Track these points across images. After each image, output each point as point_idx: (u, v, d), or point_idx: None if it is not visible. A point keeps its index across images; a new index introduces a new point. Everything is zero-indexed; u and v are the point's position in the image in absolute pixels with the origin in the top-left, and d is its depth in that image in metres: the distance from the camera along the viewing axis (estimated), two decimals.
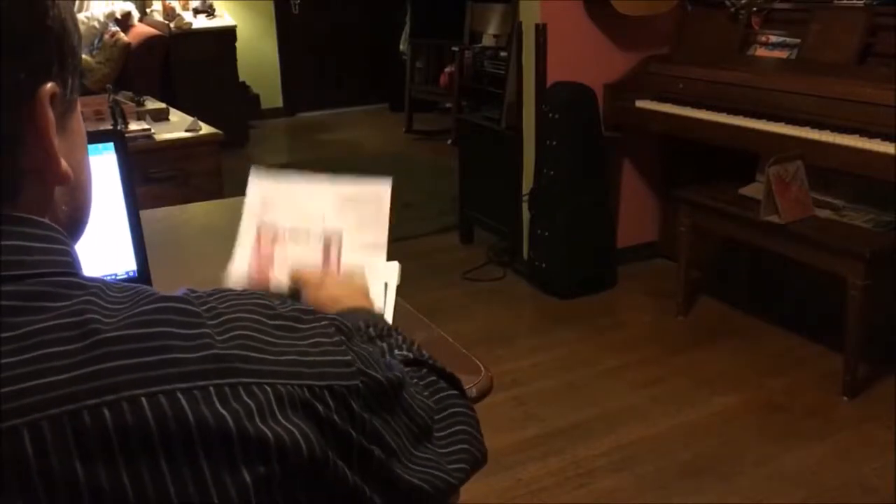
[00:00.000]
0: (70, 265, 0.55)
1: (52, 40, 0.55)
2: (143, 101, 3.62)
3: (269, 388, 0.53)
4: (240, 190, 1.21)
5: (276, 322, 0.57)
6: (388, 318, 1.21)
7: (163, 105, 3.61)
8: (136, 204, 1.19)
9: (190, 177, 3.12)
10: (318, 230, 1.21)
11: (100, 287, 0.53)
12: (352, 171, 1.26)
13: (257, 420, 0.51)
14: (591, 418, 2.62)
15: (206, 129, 3.27)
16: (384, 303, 1.25)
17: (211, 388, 0.50)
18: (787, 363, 2.91)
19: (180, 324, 0.53)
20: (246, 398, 0.52)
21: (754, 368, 2.88)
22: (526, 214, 3.60)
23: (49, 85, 0.54)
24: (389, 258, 1.36)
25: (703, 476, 2.33)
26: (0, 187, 0.53)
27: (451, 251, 4.09)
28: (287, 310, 0.59)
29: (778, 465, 2.37)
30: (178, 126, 3.33)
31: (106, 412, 0.46)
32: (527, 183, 3.59)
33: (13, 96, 0.52)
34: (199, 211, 1.95)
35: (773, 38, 3.20)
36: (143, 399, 0.47)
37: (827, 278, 2.70)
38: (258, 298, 0.59)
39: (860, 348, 2.64)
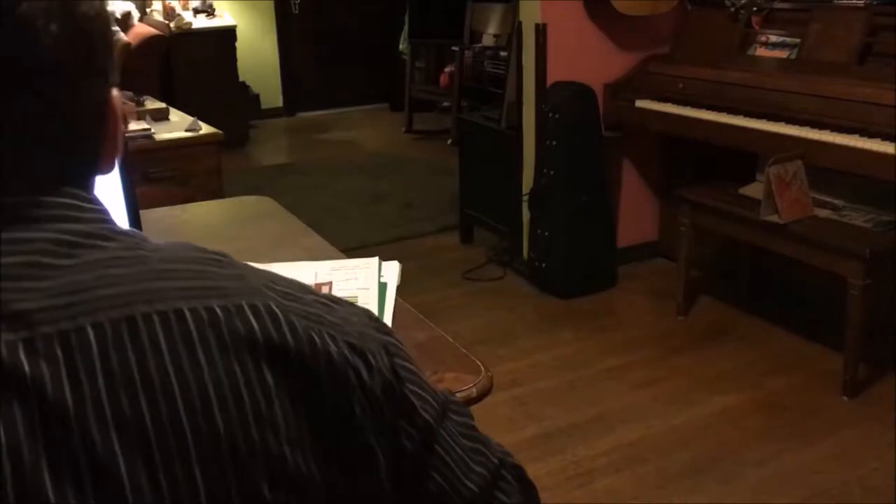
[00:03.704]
0: (113, 222, 0.62)
1: (112, 47, 0.64)
2: (143, 100, 3.62)
3: (300, 325, 0.60)
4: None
5: (314, 297, 0.64)
6: (388, 318, 1.22)
7: (163, 105, 3.61)
8: (136, 204, 1.19)
9: (190, 177, 3.12)
10: (309, 282, 1.28)
11: (141, 235, 0.62)
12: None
13: (285, 329, 0.58)
14: (591, 418, 2.62)
15: (206, 128, 3.27)
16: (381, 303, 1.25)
17: (245, 305, 0.58)
18: (787, 363, 2.91)
19: (220, 264, 0.62)
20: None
21: (754, 368, 2.89)
22: (526, 214, 3.60)
23: (115, 89, 0.63)
24: (389, 258, 1.37)
25: (703, 476, 2.33)
26: (78, 177, 0.61)
27: (451, 251, 4.09)
28: (322, 294, 0.66)
29: (778, 465, 2.37)
30: (178, 126, 3.34)
31: (155, 318, 0.55)
32: (527, 183, 3.59)
33: (100, 104, 0.61)
34: (199, 211, 1.95)
35: (773, 38, 3.20)
36: (186, 310, 0.56)
37: (827, 278, 2.70)
38: (295, 280, 0.66)
39: (860, 348, 2.64)
